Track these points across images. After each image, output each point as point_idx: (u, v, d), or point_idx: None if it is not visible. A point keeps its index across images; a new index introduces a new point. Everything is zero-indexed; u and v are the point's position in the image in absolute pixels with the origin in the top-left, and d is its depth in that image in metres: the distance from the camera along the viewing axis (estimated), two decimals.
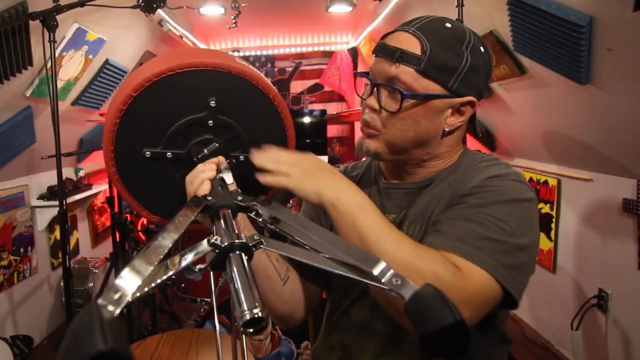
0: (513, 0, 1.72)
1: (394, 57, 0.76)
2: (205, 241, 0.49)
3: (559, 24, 1.57)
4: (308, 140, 4.08)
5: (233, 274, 0.45)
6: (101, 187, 3.27)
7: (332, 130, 4.28)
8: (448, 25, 0.77)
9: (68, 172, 3.02)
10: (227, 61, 0.75)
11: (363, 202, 0.69)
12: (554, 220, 2.46)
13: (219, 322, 2.05)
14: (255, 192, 0.76)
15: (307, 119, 4.14)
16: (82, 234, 3.23)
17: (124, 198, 0.80)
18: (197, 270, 0.49)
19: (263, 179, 0.71)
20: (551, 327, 2.55)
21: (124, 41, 2.70)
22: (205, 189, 0.67)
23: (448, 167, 0.86)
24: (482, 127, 2.93)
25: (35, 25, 1.83)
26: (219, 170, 0.72)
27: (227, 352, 0.70)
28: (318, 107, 4.29)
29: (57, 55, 1.85)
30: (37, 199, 2.67)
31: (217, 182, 0.69)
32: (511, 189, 0.74)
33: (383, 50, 0.79)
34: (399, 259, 0.63)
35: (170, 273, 0.46)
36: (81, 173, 3.09)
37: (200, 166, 0.71)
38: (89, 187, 3.11)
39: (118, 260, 2.47)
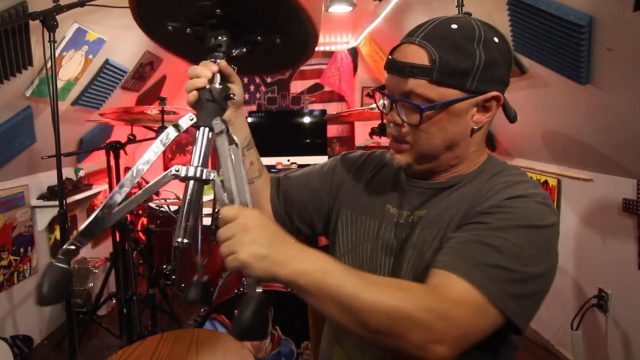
0: (513, 0, 1.72)
1: (405, 73, 0.75)
2: (169, 171, 0.66)
3: (559, 24, 1.57)
4: (308, 140, 4.07)
5: (184, 200, 0.67)
6: (101, 187, 3.27)
7: (332, 130, 4.27)
8: (454, 26, 0.75)
9: (68, 172, 3.02)
10: None
11: (322, 266, 0.64)
12: None
13: (219, 322, 2.05)
14: (271, 65, 0.91)
15: (307, 119, 4.13)
16: None
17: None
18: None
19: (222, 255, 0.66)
20: (551, 327, 2.55)
21: (124, 41, 2.70)
22: (192, 99, 0.73)
23: (470, 172, 0.84)
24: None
25: (35, 25, 1.83)
26: (215, 75, 0.74)
27: (227, 352, 0.72)
28: (318, 107, 4.28)
29: (57, 55, 1.85)
30: (37, 199, 2.67)
31: (204, 94, 0.72)
32: (533, 213, 0.72)
33: (393, 66, 0.78)
34: (384, 310, 0.61)
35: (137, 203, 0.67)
36: (81, 173, 3.09)
37: (197, 69, 0.74)
38: (89, 187, 3.11)
39: (118, 260, 2.46)
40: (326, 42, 4.23)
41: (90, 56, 2.42)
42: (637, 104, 1.58)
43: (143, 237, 2.90)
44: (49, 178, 2.73)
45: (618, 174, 1.99)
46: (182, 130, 0.69)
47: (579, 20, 1.49)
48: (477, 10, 2.04)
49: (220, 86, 0.74)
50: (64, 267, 0.64)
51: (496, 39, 0.76)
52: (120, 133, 3.33)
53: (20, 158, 2.40)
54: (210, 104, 0.72)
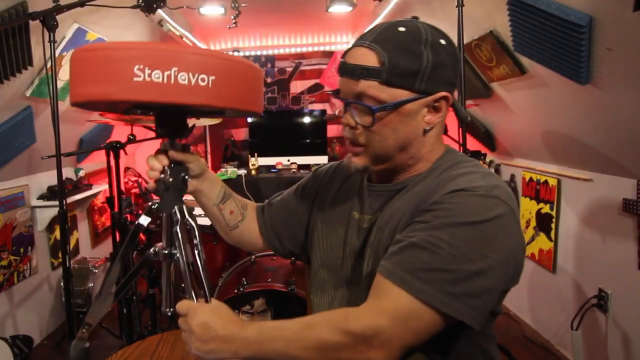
0: (513, 0, 1.72)
1: (356, 75, 0.78)
2: (148, 251, 0.82)
3: (559, 24, 1.57)
4: (308, 140, 4.07)
5: (163, 276, 0.81)
6: (101, 187, 3.27)
7: (332, 130, 4.27)
8: (402, 29, 0.77)
9: (68, 172, 3.02)
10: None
11: (256, 338, 0.72)
12: (554, 220, 2.45)
13: None
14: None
15: (307, 119, 4.13)
16: (82, 234, 3.23)
17: None
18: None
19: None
20: (551, 327, 2.56)
21: (123, 41, 2.70)
22: (152, 188, 0.83)
23: (424, 171, 0.85)
24: (482, 127, 2.93)
25: (35, 25, 1.83)
26: (170, 158, 0.83)
27: None
28: (318, 107, 4.29)
29: (57, 55, 1.85)
30: (37, 199, 2.67)
31: (160, 184, 0.81)
32: (472, 208, 0.71)
33: (344, 69, 0.80)
34: (313, 347, 0.70)
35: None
36: (81, 173, 3.09)
37: (150, 161, 0.83)
38: (89, 187, 3.11)
39: None
40: (326, 42, 4.24)
41: None
42: (637, 104, 1.58)
43: (143, 237, 2.90)
44: (49, 178, 2.73)
45: (618, 174, 1.99)
46: (152, 217, 0.83)
47: (579, 20, 1.49)
48: (477, 10, 2.04)
49: (173, 177, 0.81)
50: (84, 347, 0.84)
51: (443, 41, 0.78)
52: (120, 133, 3.33)
53: (20, 158, 2.40)
54: (166, 193, 0.81)
